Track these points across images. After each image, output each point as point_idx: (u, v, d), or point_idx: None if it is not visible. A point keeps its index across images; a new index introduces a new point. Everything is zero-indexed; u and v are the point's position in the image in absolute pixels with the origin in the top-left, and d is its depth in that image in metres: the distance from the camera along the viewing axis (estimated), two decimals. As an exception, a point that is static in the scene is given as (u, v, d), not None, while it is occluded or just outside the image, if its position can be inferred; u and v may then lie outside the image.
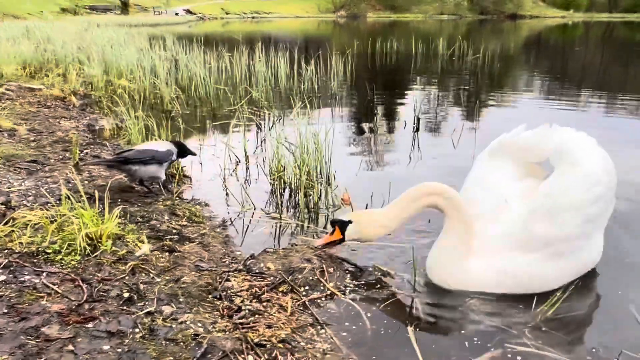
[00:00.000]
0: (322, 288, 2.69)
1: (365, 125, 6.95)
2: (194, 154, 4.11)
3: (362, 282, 2.79)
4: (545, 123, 2.94)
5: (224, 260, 2.93)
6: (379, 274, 2.86)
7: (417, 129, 6.35)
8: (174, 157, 3.92)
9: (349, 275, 2.86)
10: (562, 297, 2.55)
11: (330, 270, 2.85)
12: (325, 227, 3.53)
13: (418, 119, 6.43)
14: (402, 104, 8.56)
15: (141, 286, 2.42)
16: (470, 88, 10.14)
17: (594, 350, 2.26)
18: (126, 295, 2.32)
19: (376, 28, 38.38)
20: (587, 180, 2.65)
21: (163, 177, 3.81)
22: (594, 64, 16.41)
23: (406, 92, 9.84)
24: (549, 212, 2.61)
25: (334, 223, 2.93)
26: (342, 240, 2.92)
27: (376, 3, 70.21)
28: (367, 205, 3.83)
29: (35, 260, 2.52)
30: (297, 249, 3.03)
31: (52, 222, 2.81)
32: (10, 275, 2.37)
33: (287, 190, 4.23)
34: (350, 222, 2.85)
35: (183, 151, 4.00)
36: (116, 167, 3.70)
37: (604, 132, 6.00)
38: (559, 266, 2.68)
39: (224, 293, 2.50)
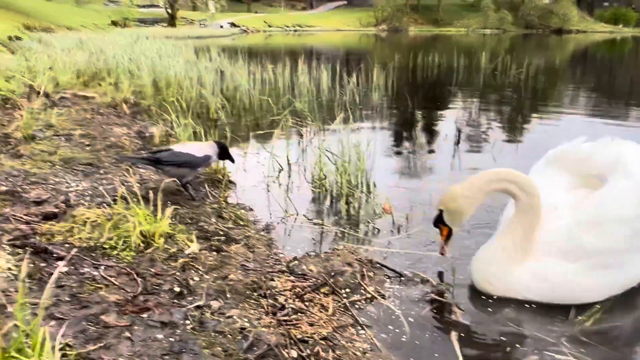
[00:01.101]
0: (362, 291, 2.76)
1: (406, 137, 7.01)
2: (232, 160, 4.08)
3: (402, 287, 2.85)
4: (607, 136, 2.92)
5: (267, 261, 3.05)
6: (419, 280, 2.92)
7: (458, 142, 6.35)
8: (213, 159, 3.89)
9: (388, 280, 2.93)
10: (602, 309, 2.55)
11: (371, 274, 2.92)
12: (365, 234, 3.62)
13: (459, 132, 6.44)
14: (443, 117, 8.57)
15: (191, 282, 2.55)
16: (512, 102, 10.05)
17: (634, 363, 2.26)
18: (177, 289, 2.46)
19: (418, 42, 38.32)
20: (639, 193, 2.61)
21: (190, 178, 3.83)
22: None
23: (447, 106, 9.84)
24: (597, 223, 2.59)
25: (436, 224, 2.86)
26: (451, 230, 2.84)
27: (418, 17, 70.15)
28: (407, 215, 3.88)
29: (93, 255, 2.70)
30: (338, 253, 3.12)
31: (108, 220, 2.99)
32: (72, 267, 2.54)
33: (328, 197, 4.33)
34: (441, 211, 2.79)
35: (225, 153, 3.96)
36: (148, 164, 3.75)
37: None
38: (604, 278, 2.64)
39: (268, 292, 2.61)
